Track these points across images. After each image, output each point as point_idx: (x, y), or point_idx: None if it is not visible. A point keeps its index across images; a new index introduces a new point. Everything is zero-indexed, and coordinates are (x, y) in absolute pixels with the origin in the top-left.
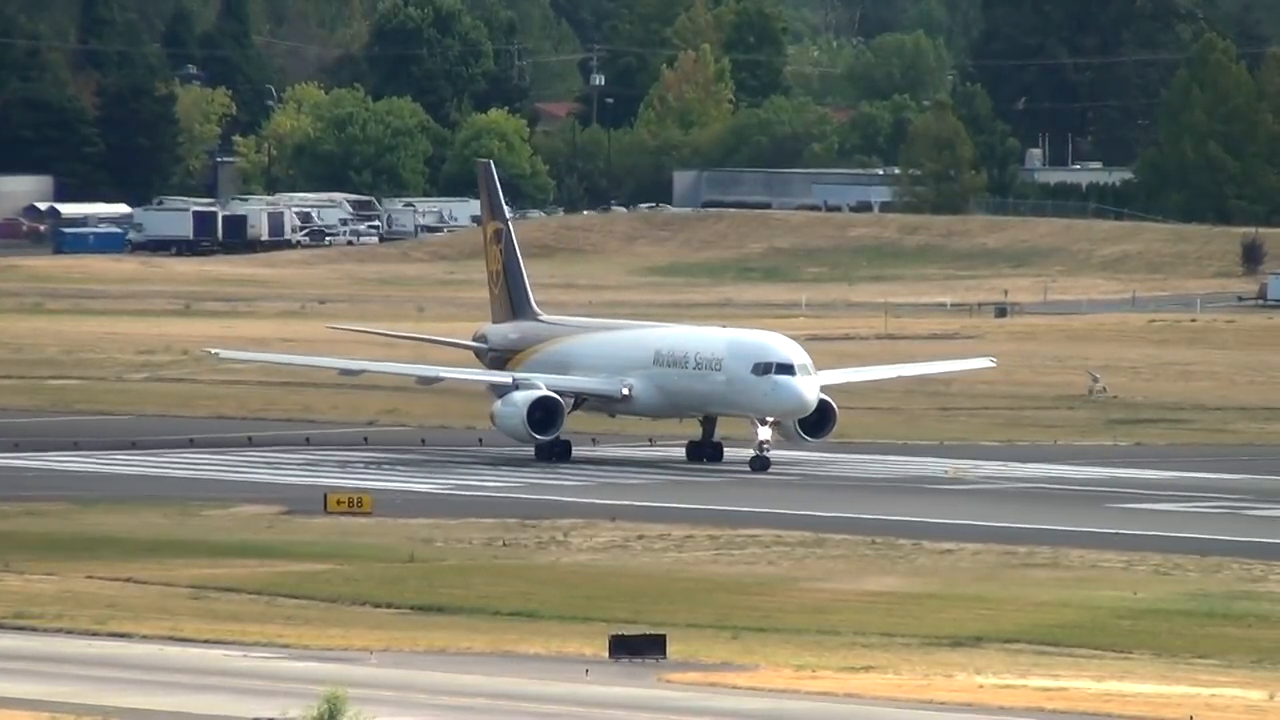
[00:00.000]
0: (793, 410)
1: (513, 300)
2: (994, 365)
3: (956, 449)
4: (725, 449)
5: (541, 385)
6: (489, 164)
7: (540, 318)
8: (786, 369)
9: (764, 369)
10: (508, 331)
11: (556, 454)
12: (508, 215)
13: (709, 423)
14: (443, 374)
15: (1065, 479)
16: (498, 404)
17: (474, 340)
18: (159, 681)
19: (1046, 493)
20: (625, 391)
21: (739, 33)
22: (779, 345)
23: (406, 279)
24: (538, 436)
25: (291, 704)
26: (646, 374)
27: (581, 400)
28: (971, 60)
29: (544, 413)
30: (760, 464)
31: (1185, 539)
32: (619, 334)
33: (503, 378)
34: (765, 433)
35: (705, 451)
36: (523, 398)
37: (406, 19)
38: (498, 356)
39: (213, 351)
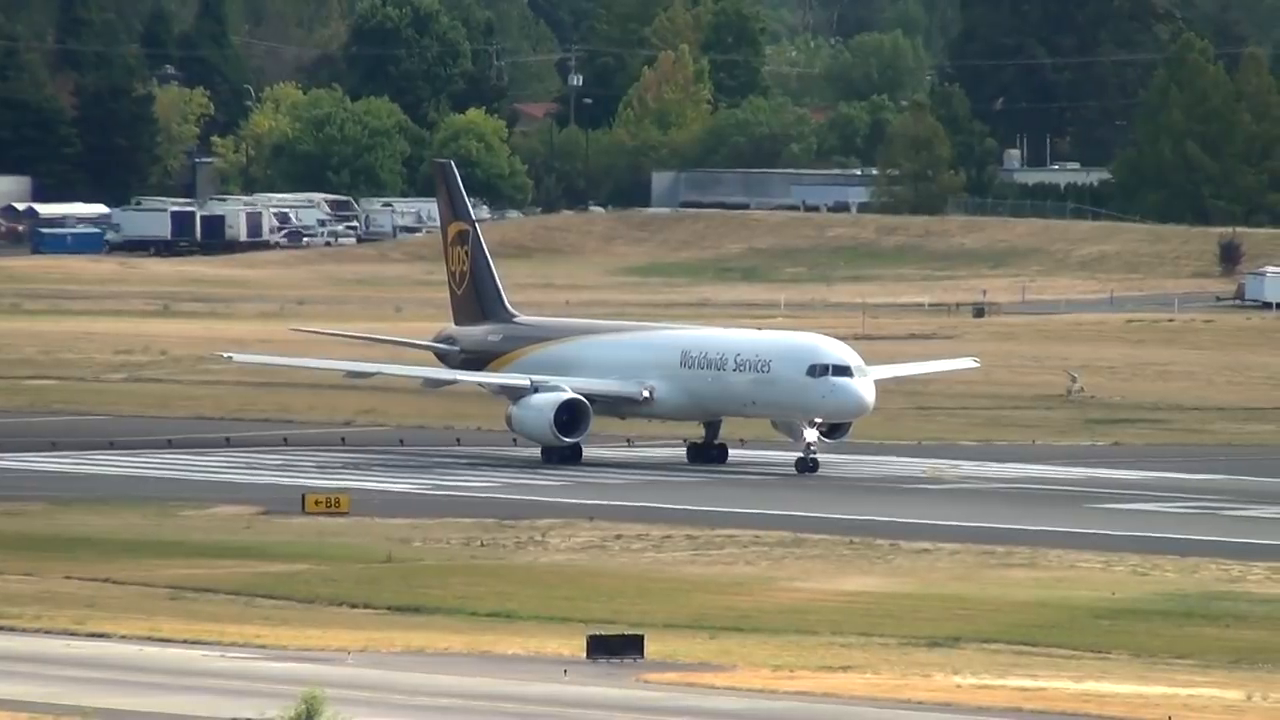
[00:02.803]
0: (852, 412)
1: (482, 302)
2: (978, 365)
3: (935, 449)
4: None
5: (566, 388)
6: (449, 164)
7: (516, 319)
8: (843, 370)
9: (820, 371)
10: (484, 334)
11: (567, 457)
12: (473, 215)
13: (713, 425)
14: (460, 377)
15: (1043, 479)
16: (514, 407)
17: (438, 341)
18: (137, 682)
19: (1024, 493)
20: (646, 394)
21: (717, 33)
22: (831, 346)
23: (385, 279)
24: (564, 440)
25: (269, 704)
26: (671, 375)
27: (591, 402)
28: (949, 60)
29: (570, 416)
30: (808, 466)
31: (1163, 539)
32: (633, 335)
33: (519, 380)
34: (813, 435)
35: (710, 454)
36: (548, 400)
37: (385, 19)
38: (472, 359)
39: (226, 355)
